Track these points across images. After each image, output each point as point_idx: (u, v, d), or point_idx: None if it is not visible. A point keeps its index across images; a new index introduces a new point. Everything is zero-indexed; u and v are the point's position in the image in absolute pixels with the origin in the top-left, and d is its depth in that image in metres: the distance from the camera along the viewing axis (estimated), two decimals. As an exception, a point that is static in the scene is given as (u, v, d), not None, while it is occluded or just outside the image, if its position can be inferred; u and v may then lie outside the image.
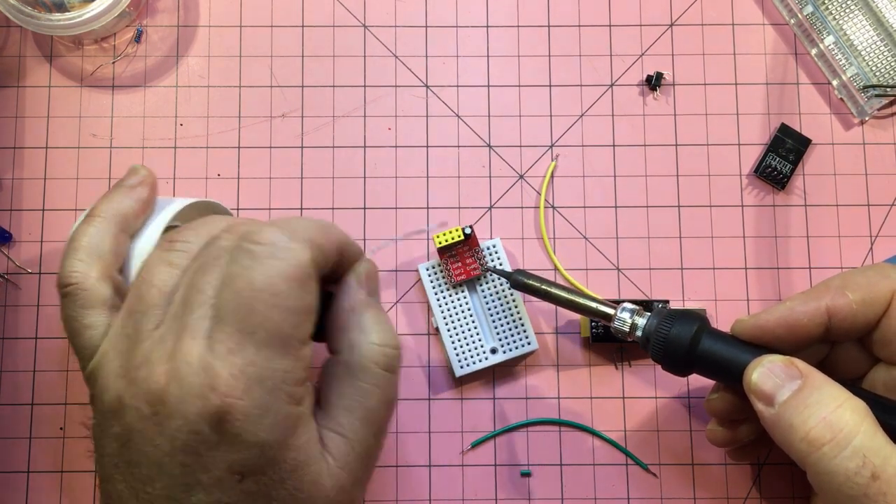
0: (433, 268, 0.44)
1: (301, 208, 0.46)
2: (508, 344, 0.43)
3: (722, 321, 0.45)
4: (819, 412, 0.31)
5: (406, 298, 0.45)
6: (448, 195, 0.46)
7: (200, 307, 0.28)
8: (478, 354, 0.43)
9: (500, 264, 0.44)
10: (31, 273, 0.45)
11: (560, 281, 0.46)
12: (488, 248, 0.44)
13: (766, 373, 0.33)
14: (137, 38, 0.47)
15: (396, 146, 0.47)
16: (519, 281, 0.41)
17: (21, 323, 0.45)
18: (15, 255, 0.45)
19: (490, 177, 0.46)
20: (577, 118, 0.47)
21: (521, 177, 0.46)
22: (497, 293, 0.44)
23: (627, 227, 0.46)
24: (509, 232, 0.46)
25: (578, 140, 0.47)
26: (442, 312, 0.44)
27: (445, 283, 0.44)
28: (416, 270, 0.45)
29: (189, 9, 0.48)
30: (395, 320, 0.45)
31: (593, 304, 0.39)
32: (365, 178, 0.46)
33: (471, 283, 0.44)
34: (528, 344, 0.43)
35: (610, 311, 0.38)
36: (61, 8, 0.44)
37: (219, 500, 0.27)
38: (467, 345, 0.43)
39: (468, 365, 0.43)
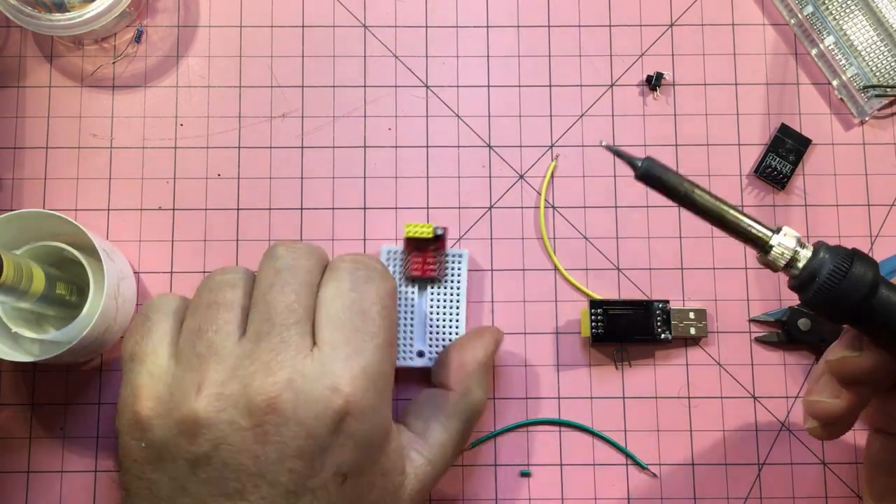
0: (394, 254, 0.44)
1: (301, 208, 0.46)
2: (436, 352, 0.43)
3: (722, 321, 0.45)
4: None
5: (406, 298, 0.45)
6: (448, 195, 0.46)
7: (296, 324, 0.30)
8: (405, 352, 0.43)
9: (459, 276, 0.44)
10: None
11: (559, 279, 0.46)
12: (453, 256, 0.44)
13: None
14: (137, 38, 0.47)
15: (396, 146, 0.47)
16: (651, 172, 0.31)
17: (21, 323, 0.45)
18: (15, 255, 0.45)
19: (490, 177, 0.46)
20: (577, 118, 0.47)
21: (521, 177, 0.46)
22: (445, 303, 0.44)
23: (627, 227, 0.46)
24: (509, 232, 0.46)
25: (578, 140, 0.47)
26: None
27: (400, 274, 0.44)
28: (379, 251, 0.45)
29: (189, 9, 0.48)
30: (395, 320, 0.45)
31: (745, 222, 0.31)
32: (365, 178, 0.46)
33: (423, 282, 0.44)
34: None
35: (767, 233, 0.31)
36: (61, 8, 0.44)
37: (320, 502, 0.28)
38: (398, 340, 0.43)
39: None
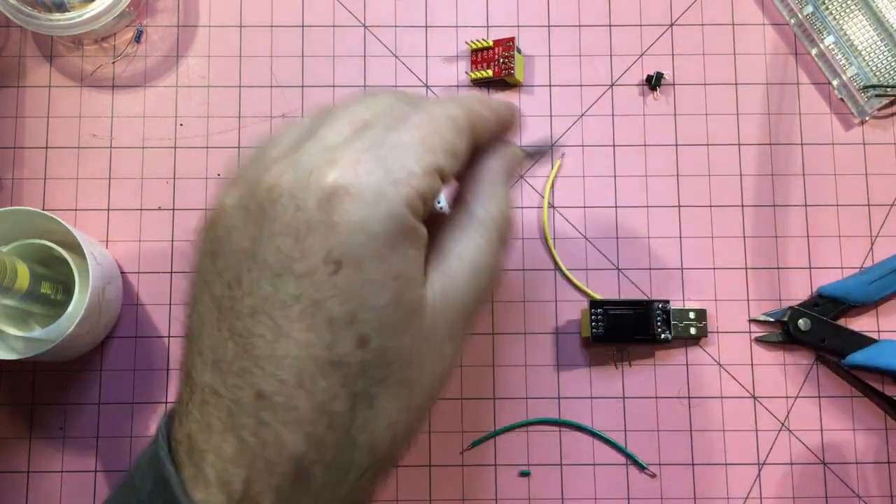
0: None
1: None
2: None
3: (722, 321, 0.45)
4: None
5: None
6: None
7: (339, 120, 0.28)
8: None
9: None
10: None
11: (560, 279, 0.46)
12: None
13: None
14: (137, 38, 0.47)
15: (396, 146, 0.46)
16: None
17: (21, 323, 0.45)
18: (15, 255, 0.45)
19: (490, 177, 0.46)
20: (577, 118, 0.47)
21: (521, 177, 0.46)
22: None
23: (627, 227, 0.46)
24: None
25: (578, 140, 0.47)
26: None
27: None
28: None
29: (189, 9, 0.48)
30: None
31: None
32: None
33: None
34: None
35: None
36: (61, 8, 0.44)
37: (307, 293, 0.25)
38: None
39: None
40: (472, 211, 0.31)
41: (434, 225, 0.30)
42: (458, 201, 0.33)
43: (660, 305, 0.43)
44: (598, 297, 0.45)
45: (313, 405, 0.25)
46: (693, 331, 0.44)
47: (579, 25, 0.48)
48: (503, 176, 0.33)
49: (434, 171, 0.28)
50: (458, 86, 0.47)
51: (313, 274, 0.25)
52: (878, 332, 0.45)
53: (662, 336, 0.43)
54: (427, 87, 0.47)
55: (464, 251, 0.30)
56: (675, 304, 0.45)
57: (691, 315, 0.44)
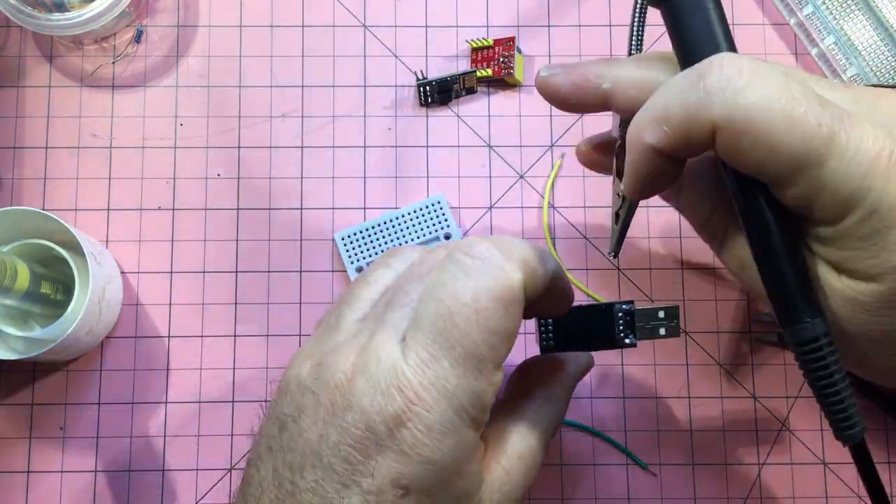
0: (349, 237, 0.45)
1: (301, 208, 0.46)
2: None
3: (723, 321, 0.45)
4: None
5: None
6: (448, 195, 0.46)
7: (402, 308, 0.28)
8: None
9: (446, 221, 0.44)
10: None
11: (560, 281, 0.46)
12: (432, 205, 0.44)
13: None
14: (137, 38, 0.47)
15: (396, 146, 0.47)
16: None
17: (21, 323, 0.45)
18: (15, 255, 0.45)
19: (490, 177, 0.46)
20: (577, 118, 0.47)
21: (522, 177, 0.46)
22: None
23: (627, 227, 0.46)
24: (509, 232, 0.46)
25: (578, 140, 0.47)
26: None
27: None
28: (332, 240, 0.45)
29: (189, 9, 0.48)
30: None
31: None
32: (365, 178, 0.46)
33: None
34: None
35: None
36: (61, 8, 0.44)
37: None
38: None
39: None
40: (539, 408, 0.32)
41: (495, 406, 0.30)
42: (521, 389, 0.33)
43: (623, 307, 0.37)
44: (601, 298, 0.45)
45: None
46: (663, 331, 0.38)
47: (579, 25, 0.48)
48: (574, 381, 0.34)
49: (496, 383, 0.28)
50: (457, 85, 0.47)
51: (381, 494, 0.26)
52: (878, 332, 0.45)
53: (627, 340, 0.37)
54: (427, 85, 0.47)
55: (526, 451, 0.31)
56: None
57: (660, 315, 0.38)
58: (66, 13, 0.43)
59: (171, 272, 0.45)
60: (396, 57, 0.47)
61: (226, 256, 0.45)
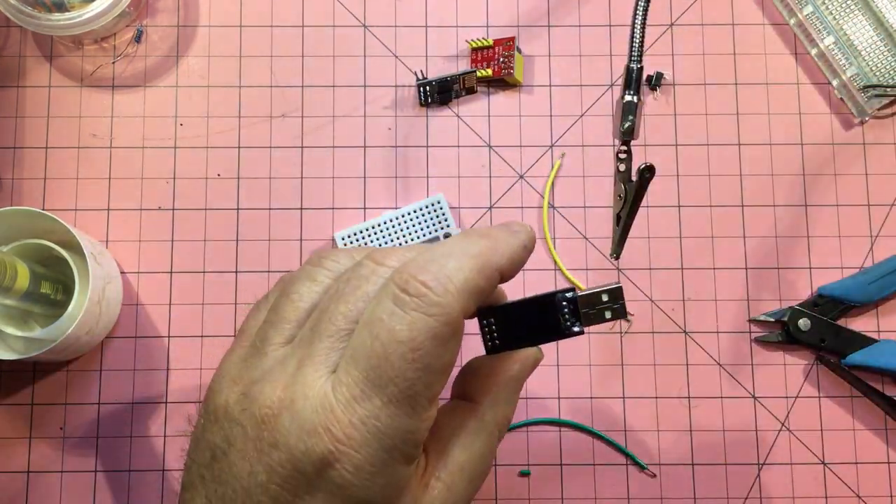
0: (350, 237, 0.45)
1: (301, 208, 0.46)
2: None
3: (723, 321, 0.45)
4: None
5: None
6: (448, 195, 0.46)
7: (329, 337, 0.27)
8: None
9: (446, 221, 0.44)
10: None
11: (560, 279, 0.46)
12: (432, 205, 0.44)
13: None
14: (137, 38, 0.47)
15: (396, 146, 0.47)
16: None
17: (21, 323, 0.45)
18: (15, 255, 0.45)
19: (490, 177, 0.46)
20: (577, 118, 0.47)
21: (522, 177, 0.46)
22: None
23: (627, 227, 0.46)
24: (509, 232, 0.46)
25: (578, 140, 0.47)
26: None
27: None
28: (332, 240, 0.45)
29: (189, 9, 0.48)
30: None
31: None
32: (365, 178, 0.46)
33: None
34: None
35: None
36: (61, 8, 0.44)
37: None
38: None
39: None
40: (483, 415, 0.30)
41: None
42: (465, 393, 0.32)
43: (566, 295, 0.35)
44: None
45: None
46: (608, 314, 0.36)
47: (579, 25, 0.48)
48: (520, 382, 0.32)
49: (430, 417, 0.27)
50: (457, 85, 0.47)
51: None
52: (879, 332, 0.45)
53: (575, 328, 0.35)
54: (427, 85, 0.47)
55: (468, 462, 0.30)
56: (676, 306, 0.45)
57: (604, 297, 0.36)
58: (66, 13, 0.43)
59: (171, 272, 0.45)
60: (396, 57, 0.47)
61: (226, 256, 0.45)
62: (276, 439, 0.25)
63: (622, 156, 0.36)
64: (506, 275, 0.29)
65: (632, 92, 0.36)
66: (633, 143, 0.37)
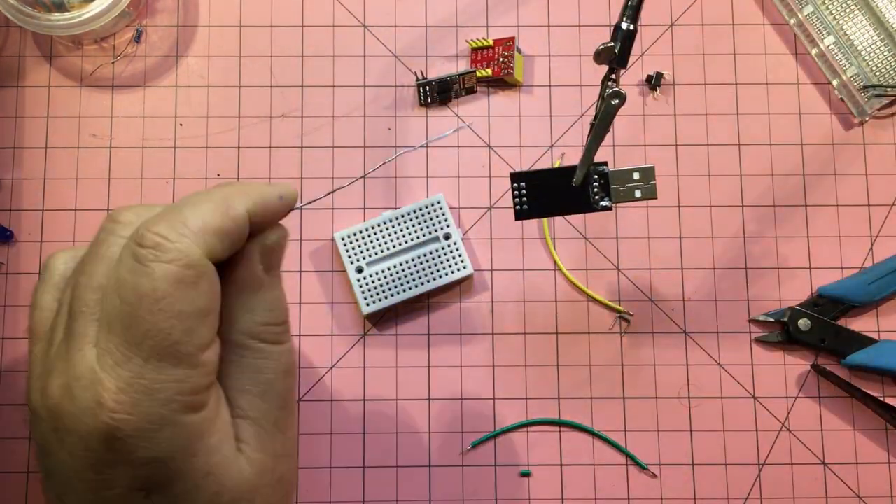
0: (349, 237, 0.45)
1: (301, 208, 0.46)
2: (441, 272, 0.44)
3: (723, 321, 0.45)
4: None
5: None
6: (448, 195, 0.46)
7: (81, 313, 0.26)
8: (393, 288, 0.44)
9: (446, 221, 0.44)
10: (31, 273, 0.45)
11: (560, 279, 0.46)
12: (432, 205, 0.45)
13: None
14: (137, 38, 0.47)
15: (396, 146, 0.47)
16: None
17: (21, 322, 0.45)
18: (15, 254, 0.45)
19: (490, 177, 0.46)
20: (577, 118, 0.47)
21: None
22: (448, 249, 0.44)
23: (627, 227, 0.46)
24: (509, 232, 0.46)
25: (578, 140, 0.47)
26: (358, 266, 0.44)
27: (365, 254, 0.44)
28: (332, 240, 0.45)
29: (189, 9, 0.48)
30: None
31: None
32: (365, 177, 0.46)
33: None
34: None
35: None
36: (61, 8, 0.44)
37: None
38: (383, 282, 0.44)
39: (382, 300, 0.44)
40: (229, 339, 0.28)
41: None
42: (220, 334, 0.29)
43: (597, 168, 0.36)
44: (601, 297, 0.45)
45: None
46: (638, 193, 0.37)
47: (579, 25, 0.48)
48: (251, 280, 0.29)
49: (205, 362, 0.26)
50: (456, 83, 0.47)
51: (127, 500, 0.26)
52: (878, 332, 0.45)
53: (602, 203, 0.37)
54: (427, 85, 0.47)
55: (244, 384, 0.29)
56: (675, 306, 0.45)
57: (635, 175, 0.37)
58: (66, 13, 0.43)
59: (171, 272, 0.45)
60: (396, 57, 0.47)
61: (226, 256, 0.45)
62: (66, 426, 0.25)
63: (610, 83, 0.35)
64: (257, 219, 0.28)
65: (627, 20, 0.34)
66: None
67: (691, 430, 0.44)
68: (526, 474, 0.44)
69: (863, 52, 0.46)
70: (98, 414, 0.25)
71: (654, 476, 0.44)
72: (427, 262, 0.44)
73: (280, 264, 0.30)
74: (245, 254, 0.28)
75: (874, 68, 0.46)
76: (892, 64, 0.46)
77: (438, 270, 0.44)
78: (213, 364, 0.27)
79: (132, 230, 0.27)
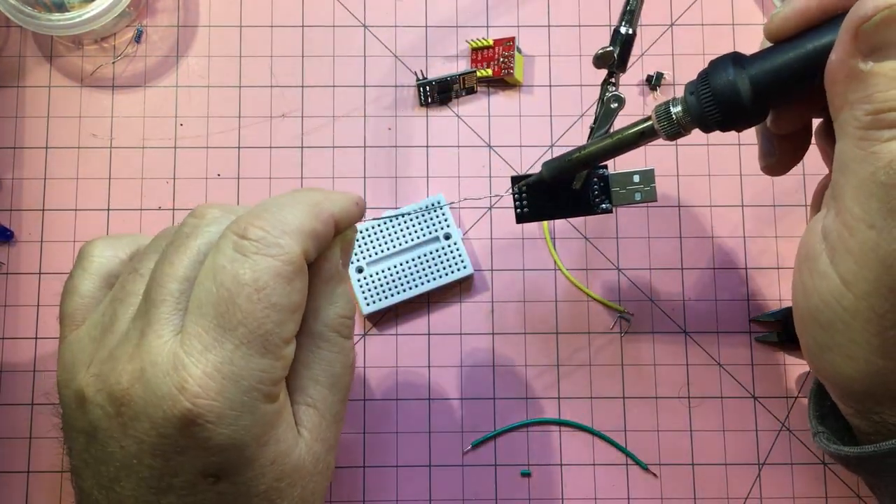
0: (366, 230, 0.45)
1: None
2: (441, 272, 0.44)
3: (723, 320, 0.45)
4: None
5: (406, 298, 0.45)
6: (448, 195, 0.46)
7: (163, 302, 0.27)
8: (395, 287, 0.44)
9: (446, 221, 0.44)
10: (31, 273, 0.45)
11: (560, 279, 0.46)
12: (432, 206, 0.45)
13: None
14: (137, 38, 0.47)
15: (396, 146, 0.47)
16: (551, 172, 0.34)
17: (21, 322, 0.45)
18: (15, 254, 0.45)
19: (490, 177, 0.46)
20: (577, 118, 0.47)
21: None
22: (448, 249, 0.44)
23: (627, 227, 0.46)
24: (509, 232, 0.46)
25: (578, 140, 0.47)
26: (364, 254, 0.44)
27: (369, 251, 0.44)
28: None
29: (189, 9, 0.48)
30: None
31: (630, 132, 0.32)
32: (365, 178, 0.46)
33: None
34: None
35: (647, 123, 0.32)
36: (61, 8, 0.44)
37: (192, 502, 0.26)
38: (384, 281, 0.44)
39: (382, 299, 0.44)
40: (311, 329, 0.30)
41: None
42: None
43: (597, 172, 0.37)
44: (601, 297, 0.45)
45: None
46: (638, 196, 0.37)
47: (579, 25, 0.48)
48: (335, 274, 0.31)
49: (286, 356, 0.27)
50: (456, 84, 0.47)
51: (194, 487, 0.26)
52: (878, 332, 0.45)
53: (602, 206, 0.37)
54: (427, 85, 0.47)
55: (318, 374, 0.30)
56: (675, 306, 0.45)
57: (635, 178, 0.37)
58: (66, 13, 0.43)
59: (171, 272, 0.45)
60: (396, 57, 0.47)
61: (226, 256, 0.45)
62: (135, 412, 0.26)
63: (610, 87, 0.35)
64: (340, 224, 0.30)
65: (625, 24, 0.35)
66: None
67: (691, 430, 0.44)
68: (526, 474, 0.44)
69: (863, 52, 0.46)
70: (178, 399, 0.25)
71: (655, 476, 0.44)
72: (427, 262, 0.44)
73: (350, 259, 0.32)
74: (332, 251, 0.30)
75: (874, 68, 0.46)
76: (892, 64, 0.46)
77: (438, 270, 0.44)
78: (290, 358, 0.28)
79: (219, 226, 0.28)
